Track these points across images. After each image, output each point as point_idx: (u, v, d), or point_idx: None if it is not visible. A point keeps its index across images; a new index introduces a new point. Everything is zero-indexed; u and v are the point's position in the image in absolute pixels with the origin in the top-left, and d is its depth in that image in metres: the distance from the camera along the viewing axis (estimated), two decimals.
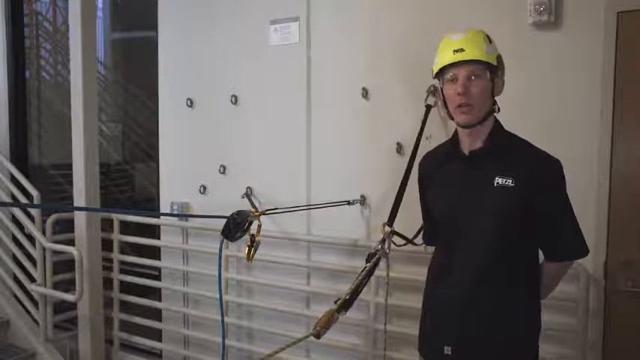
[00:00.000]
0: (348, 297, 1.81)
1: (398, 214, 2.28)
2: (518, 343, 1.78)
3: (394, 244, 2.12)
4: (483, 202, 1.74)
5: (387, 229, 2.09)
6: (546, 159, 1.76)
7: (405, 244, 2.25)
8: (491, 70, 1.74)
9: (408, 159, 2.43)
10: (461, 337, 1.78)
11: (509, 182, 1.70)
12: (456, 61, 1.72)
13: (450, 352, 1.78)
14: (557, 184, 1.76)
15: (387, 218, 2.23)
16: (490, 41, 1.78)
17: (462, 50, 1.71)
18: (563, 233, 1.77)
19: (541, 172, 1.72)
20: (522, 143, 1.81)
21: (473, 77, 1.72)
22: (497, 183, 1.72)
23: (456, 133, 1.88)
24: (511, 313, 1.75)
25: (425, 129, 2.59)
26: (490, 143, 1.78)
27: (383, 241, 2.03)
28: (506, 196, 1.70)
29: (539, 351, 1.86)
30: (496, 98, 1.80)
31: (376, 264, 1.96)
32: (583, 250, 1.82)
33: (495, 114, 1.81)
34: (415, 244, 2.28)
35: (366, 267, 1.92)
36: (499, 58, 1.78)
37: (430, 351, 1.90)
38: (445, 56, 1.75)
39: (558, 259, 1.83)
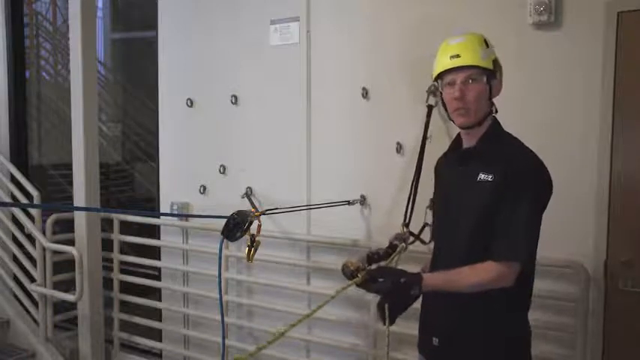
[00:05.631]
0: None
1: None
2: (497, 345, 1.76)
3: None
4: (466, 200, 1.77)
5: (406, 230, 2.19)
6: (520, 156, 1.73)
7: (413, 241, 2.29)
8: (488, 74, 1.76)
9: (417, 160, 2.44)
10: (447, 331, 1.82)
11: (490, 178, 1.71)
12: (453, 67, 1.76)
13: (437, 344, 1.84)
14: (518, 182, 1.67)
15: (388, 218, 2.26)
16: (487, 45, 1.78)
17: (458, 56, 1.75)
18: (504, 232, 1.67)
19: (512, 168, 1.69)
20: (509, 142, 1.80)
21: (470, 81, 1.74)
22: (480, 179, 1.73)
23: (459, 133, 1.90)
24: (490, 314, 1.74)
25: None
26: (480, 143, 1.80)
27: (404, 240, 2.12)
28: (485, 191, 1.71)
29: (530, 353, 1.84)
30: (496, 98, 1.82)
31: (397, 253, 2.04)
32: (514, 254, 1.66)
33: (494, 115, 1.82)
34: (424, 243, 2.30)
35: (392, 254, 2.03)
36: (496, 61, 1.78)
37: (421, 340, 1.95)
38: (443, 62, 1.79)
39: (491, 258, 1.68)
